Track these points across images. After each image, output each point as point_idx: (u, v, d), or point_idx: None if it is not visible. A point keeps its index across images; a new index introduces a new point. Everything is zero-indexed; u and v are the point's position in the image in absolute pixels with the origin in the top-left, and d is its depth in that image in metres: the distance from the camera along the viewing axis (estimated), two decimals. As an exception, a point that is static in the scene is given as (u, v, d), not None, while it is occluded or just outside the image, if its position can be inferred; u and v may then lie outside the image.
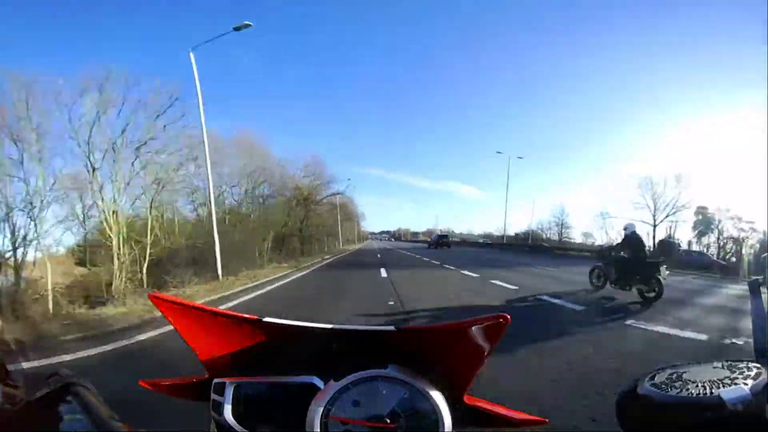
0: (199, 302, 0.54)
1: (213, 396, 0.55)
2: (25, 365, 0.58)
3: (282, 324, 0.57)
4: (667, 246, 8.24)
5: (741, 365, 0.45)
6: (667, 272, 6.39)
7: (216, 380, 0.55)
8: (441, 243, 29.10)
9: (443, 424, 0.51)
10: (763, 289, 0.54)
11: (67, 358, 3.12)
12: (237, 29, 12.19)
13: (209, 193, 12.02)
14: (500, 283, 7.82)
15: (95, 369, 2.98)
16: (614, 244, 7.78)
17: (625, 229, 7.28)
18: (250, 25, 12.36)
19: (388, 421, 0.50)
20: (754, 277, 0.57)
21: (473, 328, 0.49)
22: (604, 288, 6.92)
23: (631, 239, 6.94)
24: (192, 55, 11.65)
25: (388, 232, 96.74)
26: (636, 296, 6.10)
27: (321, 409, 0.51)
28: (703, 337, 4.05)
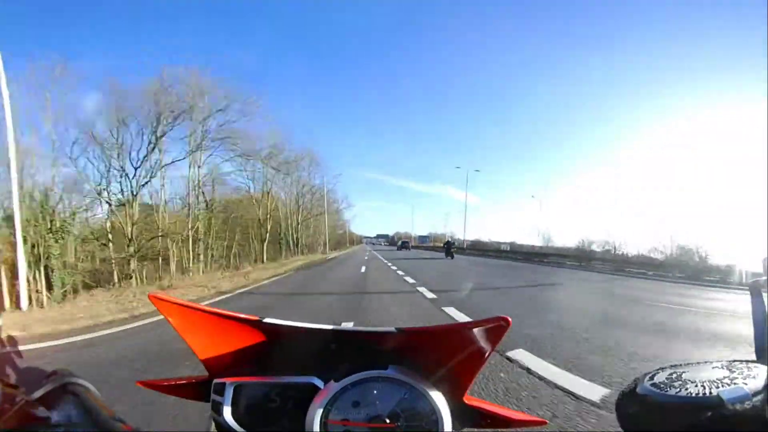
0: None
1: (213, 396, 0.55)
2: (25, 364, 0.58)
3: (282, 325, 0.57)
4: (449, 243, 25.35)
5: (741, 365, 0.45)
6: (454, 250, 24.67)
7: (216, 380, 0.55)
8: (403, 246, 45.13)
9: (443, 424, 0.51)
10: (763, 291, 0.54)
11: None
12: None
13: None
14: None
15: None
16: (446, 242, 29.23)
17: (449, 237, 37.60)
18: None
19: (388, 421, 0.50)
20: (754, 279, 0.57)
21: (474, 329, 0.49)
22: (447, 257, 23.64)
23: (448, 241, 27.63)
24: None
25: (384, 236, 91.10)
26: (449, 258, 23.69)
27: (321, 410, 0.51)
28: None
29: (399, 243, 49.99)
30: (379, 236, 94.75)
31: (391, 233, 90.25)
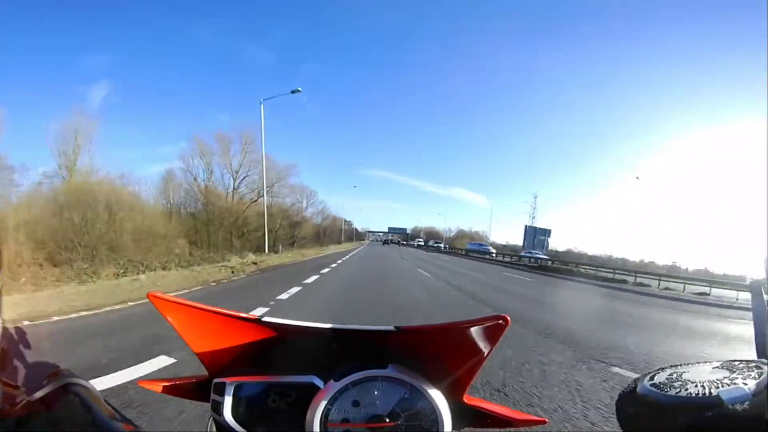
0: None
1: (213, 396, 0.55)
2: (26, 363, 0.58)
3: (281, 324, 0.57)
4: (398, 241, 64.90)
5: (741, 365, 0.45)
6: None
7: (215, 380, 0.55)
8: (387, 241, 49.06)
9: (443, 423, 0.51)
10: (763, 290, 0.54)
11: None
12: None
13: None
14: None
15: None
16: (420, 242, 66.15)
17: (426, 238, 65.26)
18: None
19: (388, 420, 0.50)
20: (754, 278, 0.57)
21: (473, 328, 0.49)
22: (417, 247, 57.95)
23: (389, 240, 69.26)
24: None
25: (400, 231, 77.03)
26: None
27: (321, 409, 0.51)
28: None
29: (383, 239, 49.53)
30: (391, 230, 79.30)
31: (407, 227, 77.93)
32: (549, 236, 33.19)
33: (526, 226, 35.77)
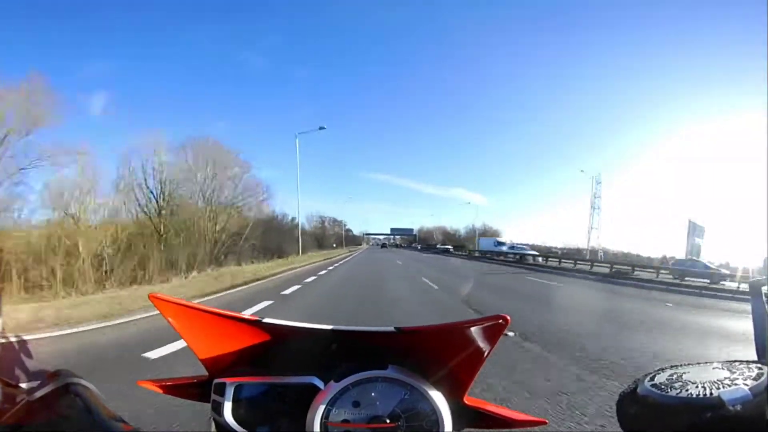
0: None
1: (213, 396, 0.55)
2: (27, 363, 0.58)
3: (282, 325, 0.57)
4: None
5: (741, 366, 0.45)
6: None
7: (216, 381, 0.55)
8: (385, 245, 47.49)
9: (443, 424, 0.51)
10: (763, 290, 0.55)
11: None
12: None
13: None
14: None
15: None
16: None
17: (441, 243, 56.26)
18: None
19: (388, 421, 0.50)
20: (754, 278, 0.57)
21: (473, 328, 0.49)
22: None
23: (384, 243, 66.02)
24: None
25: (405, 232, 68.99)
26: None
27: (321, 410, 0.51)
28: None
29: (381, 243, 47.00)
30: (395, 232, 70.47)
31: (413, 227, 67.58)
32: (703, 237, 23.23)
33: (690, 222, 23.55)
